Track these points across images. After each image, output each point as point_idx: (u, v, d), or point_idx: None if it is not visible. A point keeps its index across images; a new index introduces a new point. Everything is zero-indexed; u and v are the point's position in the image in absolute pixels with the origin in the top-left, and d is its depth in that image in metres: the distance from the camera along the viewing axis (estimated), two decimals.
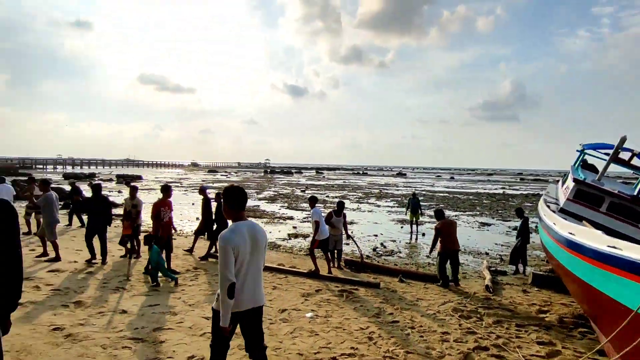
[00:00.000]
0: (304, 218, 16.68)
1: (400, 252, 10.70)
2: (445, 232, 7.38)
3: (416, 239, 12.79)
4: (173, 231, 7.52)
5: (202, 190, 9.33)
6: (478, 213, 20.12)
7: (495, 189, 42.73)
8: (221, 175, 60.31)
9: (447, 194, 32.68)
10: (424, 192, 33.81)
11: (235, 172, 74.15)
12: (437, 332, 4.84)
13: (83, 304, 5.15)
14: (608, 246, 3.35)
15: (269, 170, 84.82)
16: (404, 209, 16.38)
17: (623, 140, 8.70)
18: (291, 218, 16.74)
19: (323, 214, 8.00)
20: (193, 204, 20.25)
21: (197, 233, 9.27)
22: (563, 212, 8.04)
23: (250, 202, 22.72)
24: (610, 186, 8.45)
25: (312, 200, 8.02)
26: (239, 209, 2.87)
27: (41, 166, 66.91)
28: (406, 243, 12.12)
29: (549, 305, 6.26)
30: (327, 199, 26.12)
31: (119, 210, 16.16)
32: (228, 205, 2.86)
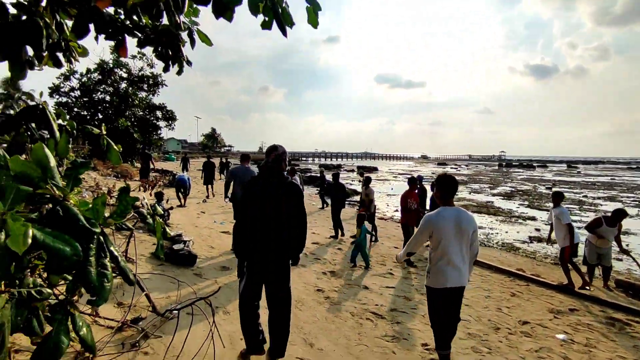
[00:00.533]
0: (549, 220, 14.11)
1: None
2: None
3: None
4: None
5: (419, 180, 9.29)
6: None
7: None
8: (450, 168, 58.83)
9: None
10: None
11: (466, 165, 70.62)
12: None
13: (336, 274, 6.19)
14: None
15: (504, 163, 76.15)
16: None
17: None
18: (533, 219, 14.53)
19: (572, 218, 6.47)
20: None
21: None
22: None
23: (482, 197, 21.19)
24: None
25: (558, 197, 6.77)
26: (448, 196, 3.30)
27: (304, 158, 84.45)
28: None
29: None
30: (584, 199, 21.17)
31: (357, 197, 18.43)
32: (439, 191, 3.32)
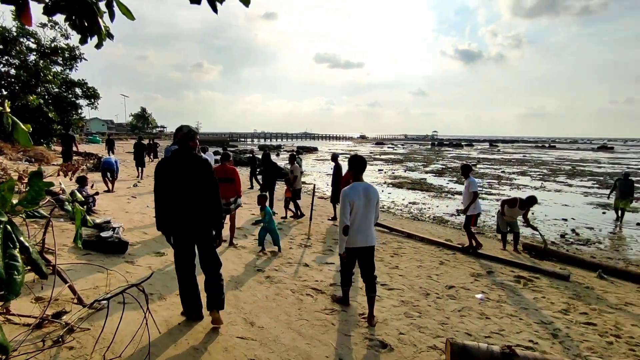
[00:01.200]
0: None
1: (600, 243, 8.82)
2: None
3: (621, 229, 10.20)
4: None
5: (334, 158, 9.38)
6: None
7: None
8: (388, 147, 61.31)
9: None
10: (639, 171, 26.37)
11: (402, 145, 74.06)
12: None
13: (277, 254, 6.25)
14: None
15: (436, 142, 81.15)
16: (607, 192, 13.11)
17: None
18: (460, 193, 15.78)
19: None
20: None
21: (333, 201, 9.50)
22: None
23: (416, 175, 22.46)
24: None
25: (466, 169, 7.17)
26: (359, 172, 3.97)
27: (243, 139, 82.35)
28: (609, 233, 9.85)
29: None
30: (502, 174, 23.42)
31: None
32: (352, 169, 3.95)
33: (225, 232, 5.97)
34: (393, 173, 23.43)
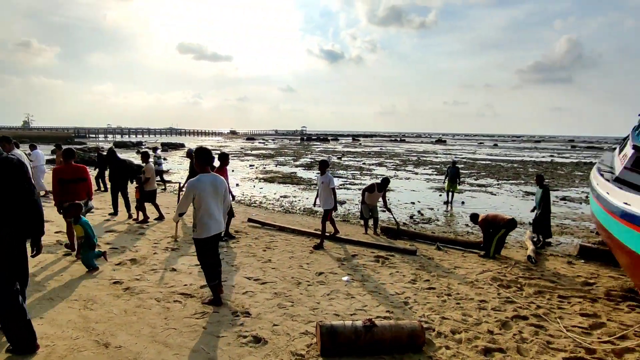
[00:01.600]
0: (340, 185, 16.77)
1: (438, 220, 10.58)
2: (492, 218, 7.12)
3: (451, 207, 12.47)
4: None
5: (189, 154, 9.24)
6: (522, 182, 19.22)
7: (543, 156, 40.41)
8: (259, 142, 61.41)
9: (489, 162, 31.37)
10: (464, 160, 32.65)
11: (273, 140, 75.16)
12: (475, 300, 4.83)
13: (138, 262, 5.61)
14: None
15: (305, 137, 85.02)
16: (442, 177, 15.90)
17: None
18: None
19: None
20: (233, 170, 20.91)
21: None
22: (619, 181, 7.48)
23: (287, 169, 23.09)
24: None
25: (324, 165, 7.11)
26: (206, 164, 4.01)
27: (94, 135, 71.26)
28: (444, 211, 11.93)
29: (596, 278, 6.01)
30: (363, 166, 25.96)
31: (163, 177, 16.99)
32: (198, 161, 4.01)
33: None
34: (264, 168, 23.62)
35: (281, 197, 13.54)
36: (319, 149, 45.87)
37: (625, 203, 4.39)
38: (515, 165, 29.00)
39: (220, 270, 4.36)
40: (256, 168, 23.52)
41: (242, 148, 44.54)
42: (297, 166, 25.21)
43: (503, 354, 3.56)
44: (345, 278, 5.45)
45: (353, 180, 18.28)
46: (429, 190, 16.05)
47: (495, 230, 6.96)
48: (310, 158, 32.07)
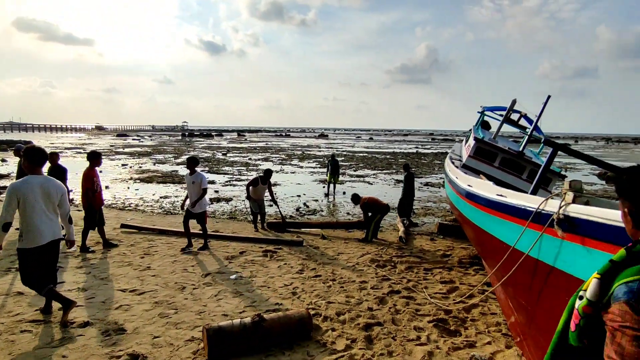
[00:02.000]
0: (226, 182, 16.25)
1: (322, 211, 11.10)
2: (372, 201, 7.79)
3: (334, 198, 13.24)
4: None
5: (17, 151, 7.80)
6: (394, 171, 21.52)
7: (410, 148, 45.90)
8: (132, 139, 55.23)
9: (366, 154, 34.25)
10: (344, 153, 34.99)
11: (150, 136, 68.50)
12: (356, 282, 5.22)
13: None
14: (497, 195, 3.86)
15: (187, 133, 79.72)
16: (325, 170, 16.75)
17: (513, 103, 9.84)
18: (212, 182, 16.18)
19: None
20: (102, 171, 18.37)
21: None
22: (465, 167, 8.98)
23: (167, 167, 21.34)
24: (502, 144, 9.60)
25: (193, 162, 6.55)
26: (35, 165, 3.62)
27: None
28: (328, 202, 12.59)
29: (452, 250, 7.10)
30: (249, 161, 25.65)
31: (5, 182, 14.25)
32: (27, 162, 3.61)
33: None
34: (140, 167, 21.39)
35: (161, 197, 12.45)
36: (202, 145, 43.57)
37: (469, 185, 5.27)
38: (387, 156, 32.29)
39: (52, 284, 3.80)
40: (130, 167, 21.12)
41: (112, 146, 39.39)
42: (178, 164, 23.50)
43: (381, 327, 3.94)
44: (233, 276, 5.31)
45: (239, 177, 17.91)
46: (313, 183, 16.72)
47: (373, 213, 7.64)
48: (193, 155, 30.28)
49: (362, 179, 18.15)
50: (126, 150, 33.63)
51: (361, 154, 34.14)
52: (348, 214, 10.60)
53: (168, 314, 4.10)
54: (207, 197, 6.79)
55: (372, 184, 16.76)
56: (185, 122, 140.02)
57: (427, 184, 16.72)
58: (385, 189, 15.49)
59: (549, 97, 8.94)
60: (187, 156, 6.81)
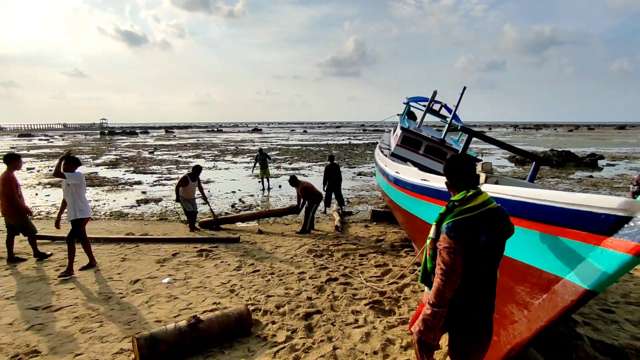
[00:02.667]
0: (154, 182, 15.29)
1: (258, 206, 10.96)
2: (310, 187, 7.84)
3: (269, 192, 13.10)
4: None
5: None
6: (329, 162, 21.92)
7: (343, 140, 47.05)
8: (39, 140, 49.26)
9: (300, 147, 34.43)
10: (279, 147, 34.82)
11: (61, 136, 61.66)
12: (295, 274, 5.25)
13: None
14: (421, 179, 4.12)
15: (106, 131, 73.09)
16: (253, 165, 16.34)
17: (434, 94, 10.53)
18: (139, 183, 15.12)
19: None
20: None
21: None
22: (393, 155, 9.45)
23: (85, 170, 19.44)
24: (426, 132, 10.26)
25: (72, 162, 5.25)
26: None
27: None
28: (264, 196, 12.45)
29: (384, 235, 7.45)
30: (179, 159, 24.38)
31: None
32: None
33: None
34: (51, 171, 19.20)
35: None
36: (125, 144, 40.34)
37: (397, 172, 5.56)
38: (322, 148, 32.78)
39: None
40: (38, 171, 18.86)
41: (13, 148, 34.75)
42: (98, 165, 21.54)
43: (320, 315, 4.01)
44: (165, 280, 5.03)
45: (169, 175, 16.95)
46: (248, 178, 16.43)
47: (310, 203, 7.70)
48: (115, 155, 27.91)
49: (297, 171, 18.22)
50: (32, 152, 29.93)
51: (296, 147, 34.23)
52: (284, 206, 10.58)
53: (91, 328, 3.76)
54: (88, 204, 5.55)
55: (307, 176, 16.92)
56: (104, 119, 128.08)
57: (359, 174, 17.30)
58: (320, 180, 15.73)
59: (464, 88, 9.72)
60: (65, 153, 5.40)
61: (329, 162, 10.28)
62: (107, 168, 20.20)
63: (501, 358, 2.41)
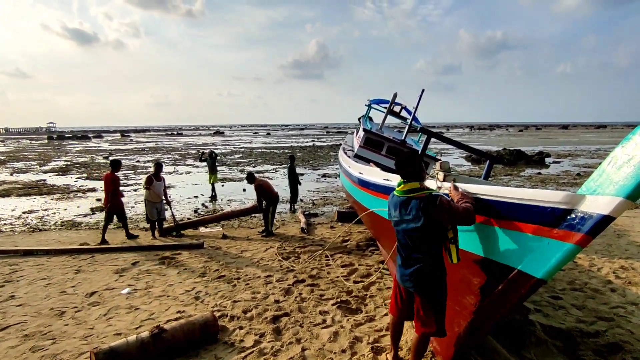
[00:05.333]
0: None
1: (222, 210, 10.74)
2: (267, 186, 7.74)
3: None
4: None
5: None
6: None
7: (307, 142, 47.17)
8: None
9: (264, 150, 34.12)
10: (242, 150, 34.32)
11: (2, 141, 57.15)
12: (261, 277, 5.21)
13: None
14: (384, 179, 4.23)
15: (55, 135, 68.51)
16: (225, 168, 16.02)
17: (394, 96, 10.84)
18: (93, 190, 14.32)
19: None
20: None
21: None
22: (357, 157, 9.61)
23: (31, 177, 18.15)
24: (388, 134, 10.53)
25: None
26: None
27: None
28: (228, 200, 12.22)
29: (350, 235, 7.56)
30: (137, 164, 23.37)
31: None
32: None
33: None
34: None
35: (24, 213, 10.54)
36: (77, 149, 38.05)
37: (360, 173, 5.67)
38: (285, 151, 32.67)
39: None
40: None
41: None
42: (46, 172, 20.15)
43: (288, 317, 4.01)
44: (125, 290, 4.81)
45: (126, 182, 16.19)
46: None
47: (267, 204, 7.63)
48: (66, 160, 26.26)
49: (261, 174, 18.05)
50: None
51: (259, 150, 33.90)
52: None
53: (43, 345, 3.53)
54: None
55: (272, 179, 16.80)
56: (51, 122, 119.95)
57: (324, 175, 17.44)
58: (285, 182, 15.68)
59: (422, 90, 10.07)
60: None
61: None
62: (56, 175, 18.96)
63: (461, 346, 2.53)
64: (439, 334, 2.58)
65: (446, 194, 2.61)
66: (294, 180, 10.44)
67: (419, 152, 4.86)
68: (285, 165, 21.39)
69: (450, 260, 2.48)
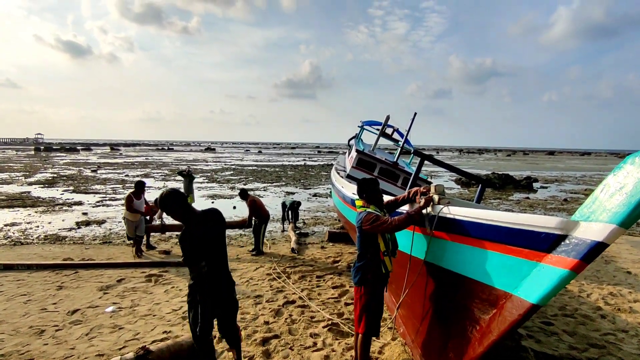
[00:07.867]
0: (97, 202, 14.30)
1: None
2: (259, 204, 7.69)
3: None
4: None
5: None
6: (284, 183, 21.86)
7: (298, 161, 47.29)
8: None
9: (255, 167, 34.07)
10: (233, 167, 34.22)
11: None
12: (251, 297, 5.10)
13: None
14: None
15: (42, 147, 67.52)
16: (214, 184, 15.81)
17: (387, 119, 11.02)
18: (80, 203, 14.05)
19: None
20: None
21: None
22: (349, 177, 9.66)
23: (15, 188, 17.75)
24: (380, 155, 10.63)
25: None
26: None
27: None
28: None
29: (341, 256, 7.50)
30: (126, 178, 23.07)
31: None
32: None
33: None
34: None
35: (6, 225, 10.25)
36: (64, 161, 37.49)
37: (353, 193, 5.68)
38: (277, 169, 32.68)
39: None
40: None
41: None
42: (30, 184, 19.74)
43: (278, 339, 3.92)
44: (109, 309, 4.66)
45: (114, 196, 15.95)
46: (201, 199, 15.89)
47: (259, 222, 7.55)
48: (52, 172, 25.81)
49: (252, 192, 17.95)
50: None
51: (250, 167, 33.83)
52: None
53: None
54: None
55: (262, 197, 16.72)
56: (39, 134, 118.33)
57: (315, 195, 17.41)
58: (276, 201, 15.61)
59: (415, 114, 10.26)
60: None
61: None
62: (41, 187, 18.57)
63: None
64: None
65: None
66: (292, 207, 10.60)
67: (413, 174, 4.97)
68: (277, 184, 21.37)
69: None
